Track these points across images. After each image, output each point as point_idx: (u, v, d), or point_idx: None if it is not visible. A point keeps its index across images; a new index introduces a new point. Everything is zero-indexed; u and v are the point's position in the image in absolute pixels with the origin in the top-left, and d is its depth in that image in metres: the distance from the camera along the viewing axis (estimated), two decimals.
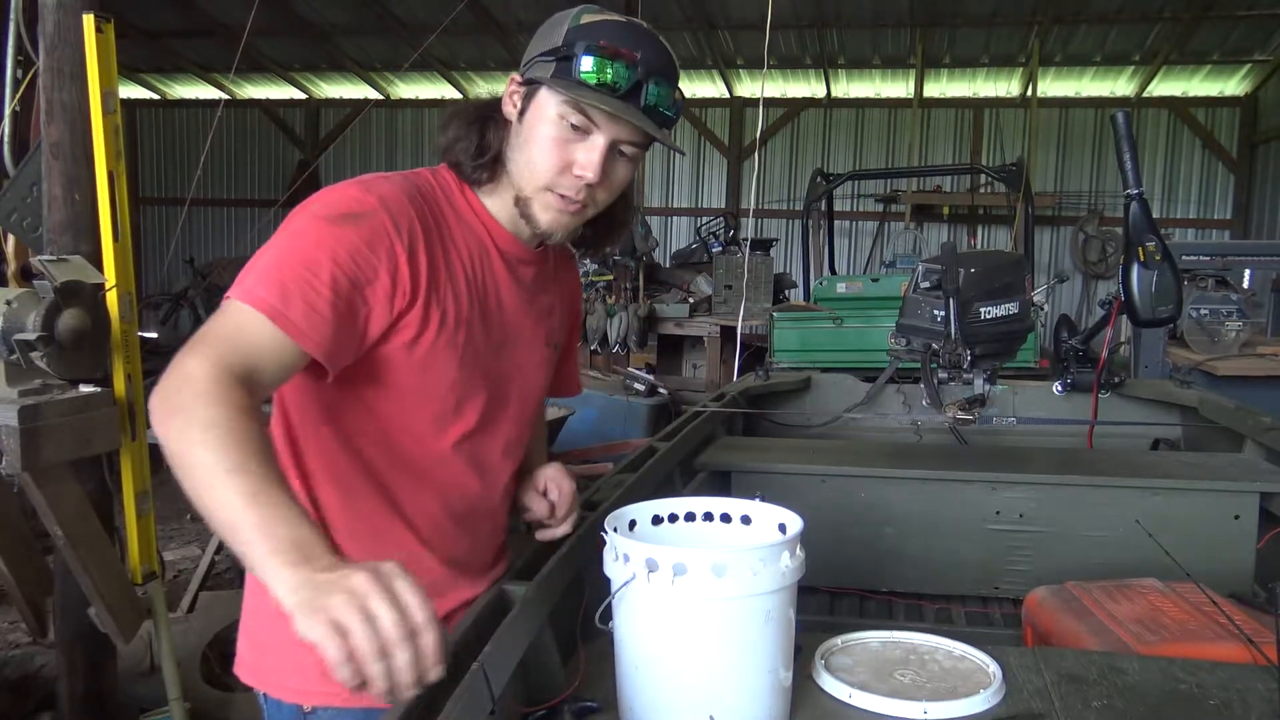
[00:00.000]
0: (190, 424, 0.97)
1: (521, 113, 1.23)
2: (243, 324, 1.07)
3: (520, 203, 1.26)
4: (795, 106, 10.94)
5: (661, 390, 6.24)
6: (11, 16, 2.61)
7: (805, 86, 10.89)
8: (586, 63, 1.16)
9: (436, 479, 1.30)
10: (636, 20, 1.24)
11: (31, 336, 2.10)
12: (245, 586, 1.36)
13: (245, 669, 1.34)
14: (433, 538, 1.31)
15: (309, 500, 1.27)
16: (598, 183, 1.22)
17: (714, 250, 8.24)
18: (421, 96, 11.79)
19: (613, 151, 1.22)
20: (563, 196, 1.23)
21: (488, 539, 1.43)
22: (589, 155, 1.20)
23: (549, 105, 1.20)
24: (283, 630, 1.13)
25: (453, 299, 1.24)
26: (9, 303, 2.13)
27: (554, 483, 1.45)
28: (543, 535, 1.46)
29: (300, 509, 0.95)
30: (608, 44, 1.17)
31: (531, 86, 1.22)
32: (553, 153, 1.21)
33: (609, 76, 1.16)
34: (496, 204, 1.30)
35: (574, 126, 1.19)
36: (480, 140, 1.27)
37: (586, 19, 1.21)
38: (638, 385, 6.10)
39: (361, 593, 0.86)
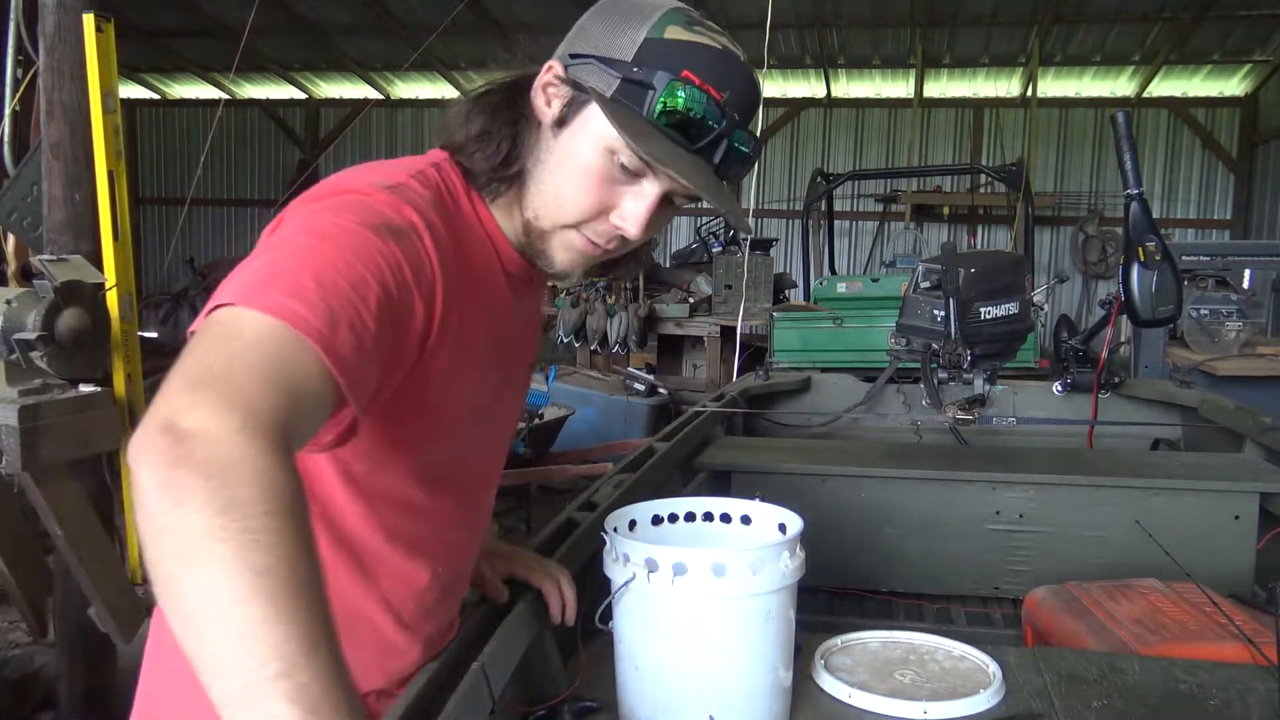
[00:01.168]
0: (239, 541, 0.63)
1: (560, 122, 0.96)
2: (284, 353, 0.73)
3: (534, 233, 1.01)
4: (795, 106, 10.94)
5: (661, 390, 6.25)
6: (11, 16, 2.61)
7: (805, 86, 10.88)
8: (665, 100, 0.91)
9: (430, 545, 1.05)
10: (730, 45, 0.97)
11: (31, 336, 2.10)
12: (145, 661, 1.07)
13: None
14: (415, 619, 1.07)
15: None
16: (637, 238, 0.99)
17: (714, 250, 8.24)
18: (421, 96, 11.79)
19: (665, 200, 0.98)
20: (591, 241, 0.99)
21: (457, 603, 1.19)
22: (636, 206, 0.96)
23: (601, 133, 0.93)
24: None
25: (471, 338, 0.99)
26: (9, 302, 2.13)
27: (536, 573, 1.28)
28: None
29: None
30: (697, 79, 0.92)
31: (580, 95, 0.95)
32: (593, 192, 0.96)
33: (689, 120, 0.92)
34: (503, 219, 1.03)
35: (624, 166, 0.94)
36: (512, 147, 0.99)
37: (674, 34, 0.94)
38: (638, 385, 6.10)
39: None
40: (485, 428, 1.09)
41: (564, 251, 1.01)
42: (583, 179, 0.95)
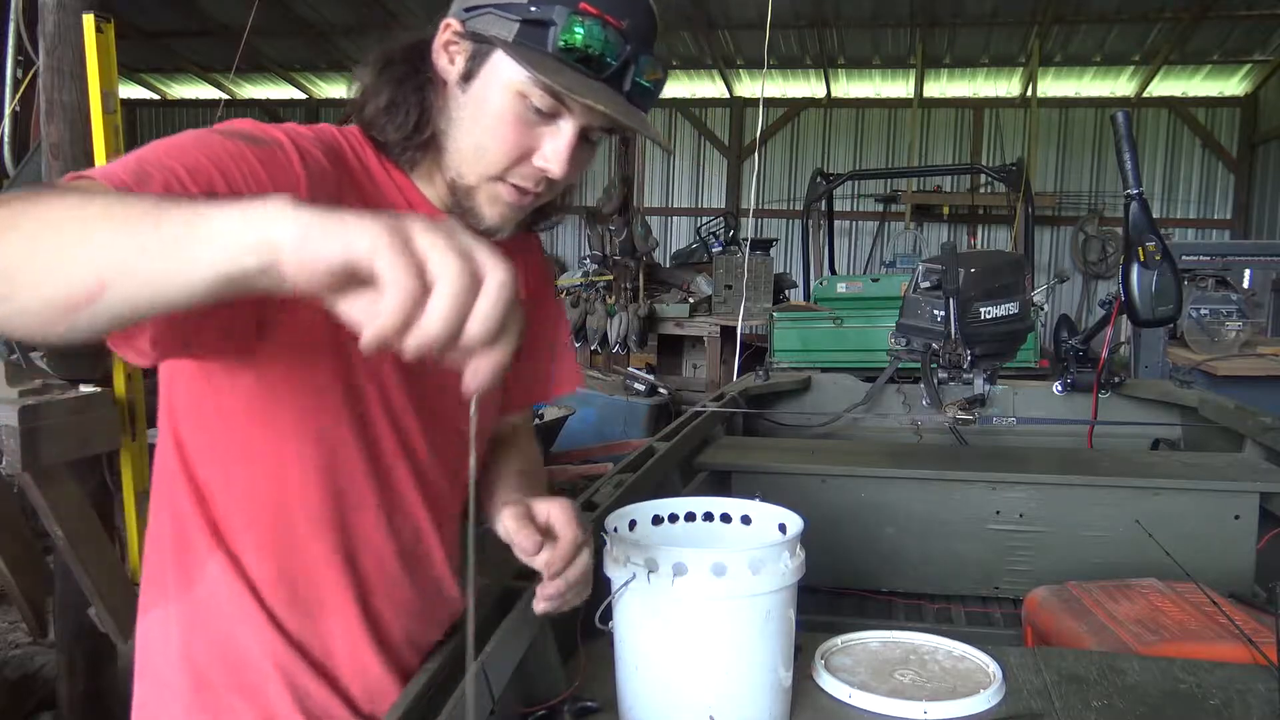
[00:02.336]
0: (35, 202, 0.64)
1: (467, 77, 0.96)
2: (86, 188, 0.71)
3: (459, 191, 1.00)
4: (795, 106, 10.95)
5: (661, 390, 6.25)
6: (11, 16, 2.61)
7: (805, 86, 10.89)
8: (565, 34, 0.91)
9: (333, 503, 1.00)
10: None
11: None
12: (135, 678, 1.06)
13: None
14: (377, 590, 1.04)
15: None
16: (562, 176, 0.98)
17: (714, 250, 8.25)
18: None
19: (581, 138, 0.98)
20: (516, 188, 0.99)
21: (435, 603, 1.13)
22: (556, 145, 0.96)
23: (510, 78, 0.94)
24: None
25: None
26: None
27: (560, 523, 1.05)
28: (537, 605, 1.09)
29: None
30: (595, 9, 0.92)
31: (482, 45, 0.95)
32: (511, 139, 0.96)
33: (592, 52, 0.92)
34: (426, 186, 1.04)
35: (538, 109, 0.95)
36: (421, 113, 0.99)
37: None
38: (638, 385, 6.11)
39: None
40: (416, 400, 1.03)
41: (491, 205, 1.00)
42: (499, 127, 0.95)
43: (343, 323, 0.63)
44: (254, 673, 1.00)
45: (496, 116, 0.95)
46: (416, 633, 1.11)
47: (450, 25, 0.97)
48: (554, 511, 1.05)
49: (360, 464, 1.00)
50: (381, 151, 1.02)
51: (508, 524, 1.03)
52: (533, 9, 0.92)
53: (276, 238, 0.60)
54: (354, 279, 0.60)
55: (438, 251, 0.61)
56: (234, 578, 0.99)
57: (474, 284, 0.61)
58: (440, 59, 0.98)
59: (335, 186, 0.94)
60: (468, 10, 0.96)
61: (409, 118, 0.98)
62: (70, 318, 0.62)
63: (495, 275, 0.62)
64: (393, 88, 0.99)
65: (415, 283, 0.59)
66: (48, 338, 0.65)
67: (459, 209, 1.01)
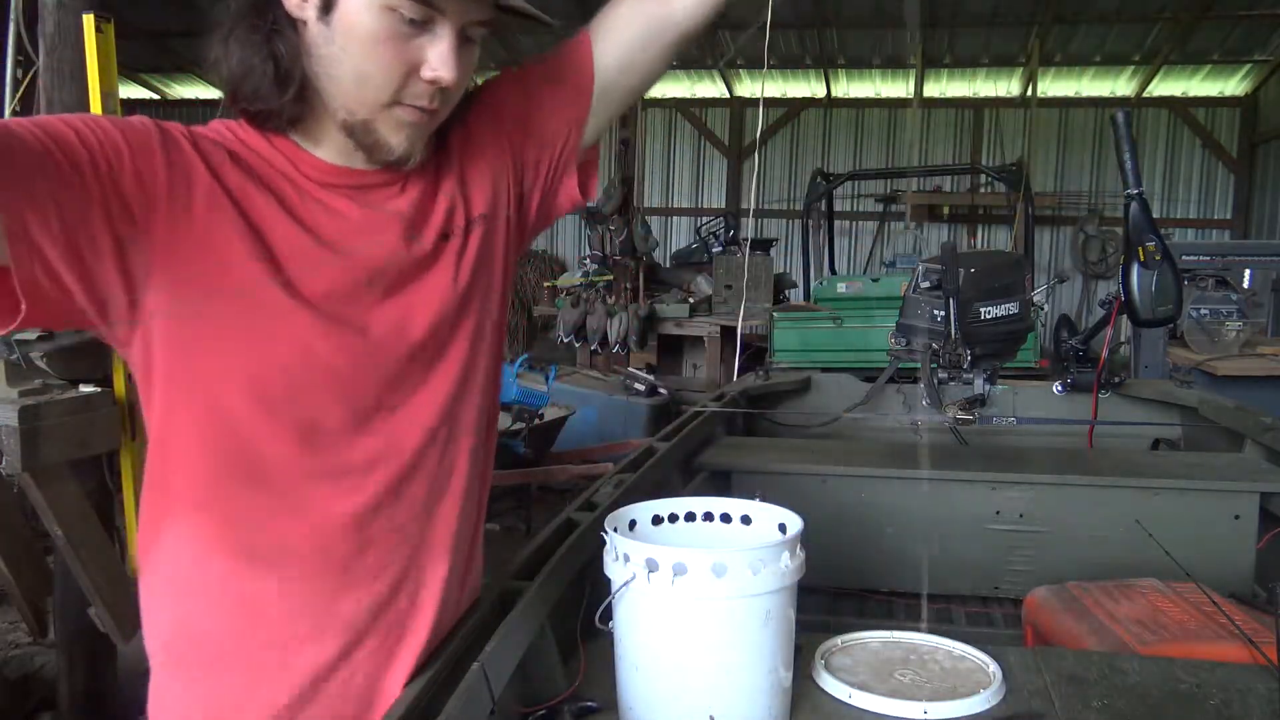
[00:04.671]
0: None
1: (326, 8, 0.91)
2: None
3: (353, 129, 0.96)
4: (795, 106, 10.94)
5: (661, 390, 6.24)
6: (11, 16, 2.61)
7: (805, 86, 10.89)
8: None
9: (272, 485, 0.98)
10: None
11: (32, 337, 2.10)
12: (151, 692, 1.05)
13: None
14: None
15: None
16: (454, 81, 0.94)
17: (714, 250, 8.26)
18: None
19: (462, 39, 0.95)
20: (414, 108, 0.95)
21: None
22: (440, 50, 0.93)
23: None
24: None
25: (269, 230, 0.95)
26: None
27: None
28: None
29: None
30: None
31: None
32: (391, 57, 0.92)
33: None
34: (311, 145, 0.99)
35: (411, 20, 0.91)
36: (277, 66, 0.93)
37: None
38: (638, 385, 6.10)
39: None
40: (342, 332, 0.98)
41: (395, 133, 0.96)
42: (375, 48, 0.91)
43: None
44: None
45: (370, 39, 0.91)
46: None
47: None
48: None
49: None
50: (260, 124, 0.97)
51: None
52: None
53: None
54: None
55: None
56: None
57: None
58: (290, 3, 0.92)
59: (209, 152, 0.93)
60: None
61: (265, 77, 0.93)
62: None
63: None
64: (240, 50, 0.93)
65: None
66: None
67: (362, 147, 0.97)
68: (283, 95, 0.94)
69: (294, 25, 0.93)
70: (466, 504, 1.10)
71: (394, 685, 1.04)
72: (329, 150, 1.00)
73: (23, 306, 0.81)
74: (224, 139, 0.97)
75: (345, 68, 0.93)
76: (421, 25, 0.92)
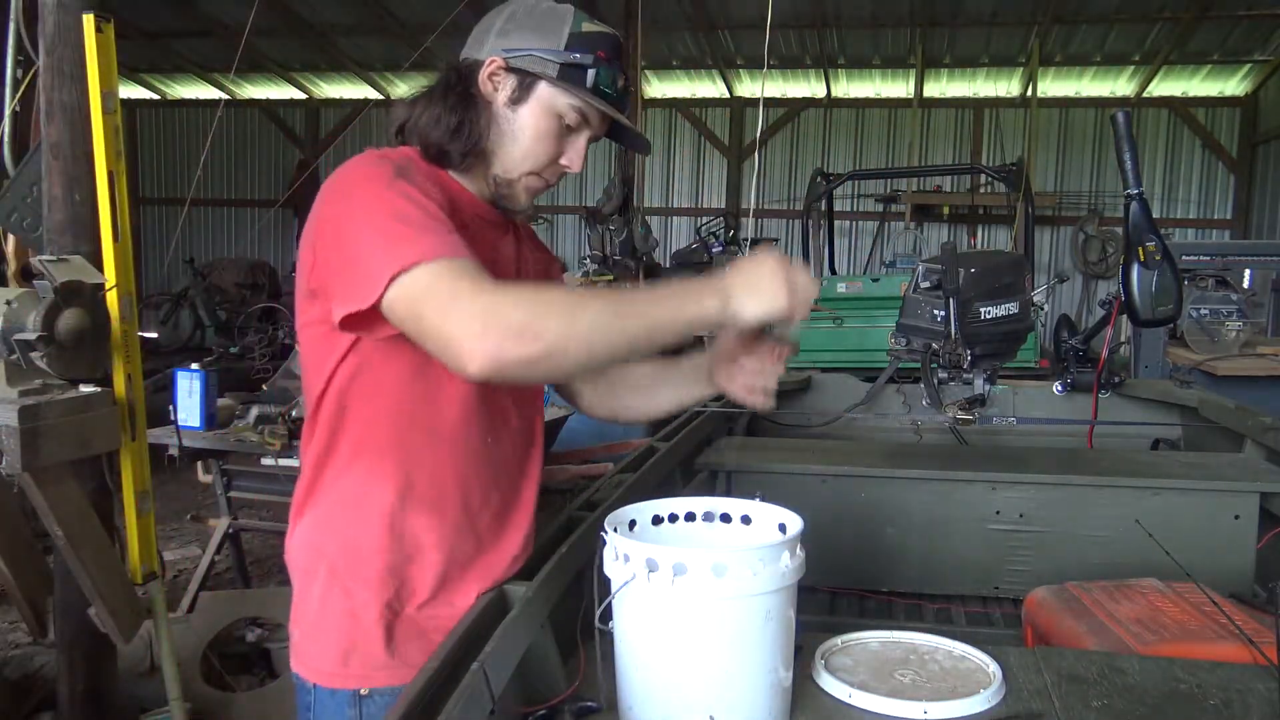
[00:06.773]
0: (568, 308, 1.11)
1: (515, 101, 1.30)
2: (462, 269, 1.11)
3: (500, 183, 1.34)
4: (795, 106, 10.95)
5: None
6: (11, 16, 2.61)
7: (805, 86, 10.89)
8: (600, 75, 1.28)
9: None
10: (610, 29, 1.36)
11: (31, 336, 2.10)
12: (292, 575, 1.34)
13: (299, 660, 1.33)
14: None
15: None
16: (577, 171, 1.36)
17: (714, 250, 8.26)
18: None
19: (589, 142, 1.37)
20: (545, 180, 1.36)
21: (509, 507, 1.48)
22: (578, 149, 1.34)
23: (550, 103, 1.30)
24: (334, 615, 1.29)
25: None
26: (9, 303, 2.13)
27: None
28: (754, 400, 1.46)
29: None
30: (609, 56, 1.30)
31: (527, 78, 1.29)
32: (549, 147, 1.32)
33: (606, 86, 1.29)
34: (466, 182, 1.35)
35: (568, 125, 1.31)
36: (473, 125, 1.29)
37: (587, 28, 1.31)
38: None
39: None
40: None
41: (525, 194, 1.36)
42: (543, 138, 1.31)
43: None
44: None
45: (542, 131, 1.31)
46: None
47: (495, 61, 1.29)
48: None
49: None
50: (435, 160, 1.32)
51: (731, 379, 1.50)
52: (575, 55, 1.28)
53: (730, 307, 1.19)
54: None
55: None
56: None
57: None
58: (486, 86, 1.30)
59: (427, 180, 1.25)
60: (508, 51, 1.29)
61: (471, 137, 1.29)
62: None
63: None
64: (438, 105, 1.29)
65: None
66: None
67: (498, 196, 1.35)
68: (464, 143, 1.29)
69: (483, 104, 1.30)
70: (535, 459, 1.61)
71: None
72: (476, 189, 1.35)
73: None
74: (404, 157, 1.31)
75: (515, 143, 1.31)
76: (572, 129, 1.33)
